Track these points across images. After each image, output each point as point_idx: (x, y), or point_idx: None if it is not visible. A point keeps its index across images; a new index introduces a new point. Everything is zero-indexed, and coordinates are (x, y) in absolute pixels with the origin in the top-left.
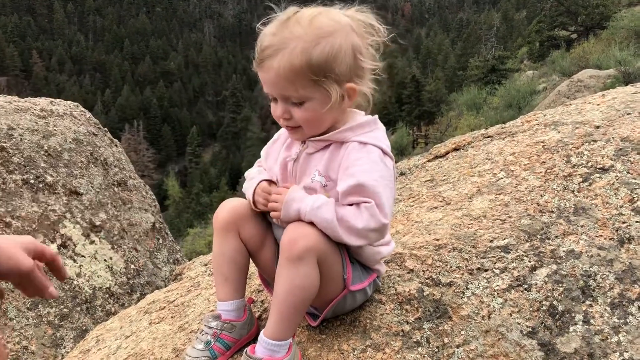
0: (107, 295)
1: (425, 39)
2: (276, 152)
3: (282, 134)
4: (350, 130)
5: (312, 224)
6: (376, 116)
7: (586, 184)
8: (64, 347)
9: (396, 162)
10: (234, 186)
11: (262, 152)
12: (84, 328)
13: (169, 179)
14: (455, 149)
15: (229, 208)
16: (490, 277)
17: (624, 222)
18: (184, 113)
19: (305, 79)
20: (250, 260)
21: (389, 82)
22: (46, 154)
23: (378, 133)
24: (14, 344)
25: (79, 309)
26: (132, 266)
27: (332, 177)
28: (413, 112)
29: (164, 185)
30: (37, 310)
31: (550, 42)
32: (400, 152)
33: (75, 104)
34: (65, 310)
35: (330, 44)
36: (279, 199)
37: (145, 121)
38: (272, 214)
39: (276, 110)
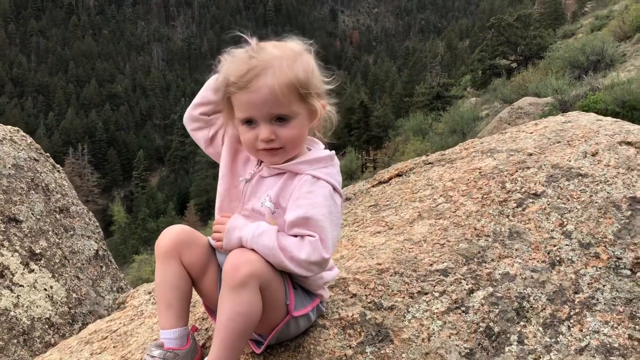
0: (47, 326)
1: (373, 66)
2: (241, 159)
3: None
4: (307, 163)
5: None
6: (333, 152)
7: (520, 209)
8: None
9: (345, 186)
10: (182, 211)
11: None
12: None
13: (115, 204)
14: (398, 175)
15: (170, 234)
16: (430, 300)
17: (554, 245)
18: (131, 136)
19: (296, 93)
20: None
21: (338, 107)
22: None
23: (332, 169)
24: None
25: (15, 341)
26: (74, 295)
27: (281, 205)
28: (362, 137)
29: (109, 211)
30: None
31: (492, 70)
32: (349, 175)
33: (16, 128)
34: (0, 343)
35: (305, 61)
36: (221, 228)
37: (90, 145)
38: (215, 243)
39: (259, 132)
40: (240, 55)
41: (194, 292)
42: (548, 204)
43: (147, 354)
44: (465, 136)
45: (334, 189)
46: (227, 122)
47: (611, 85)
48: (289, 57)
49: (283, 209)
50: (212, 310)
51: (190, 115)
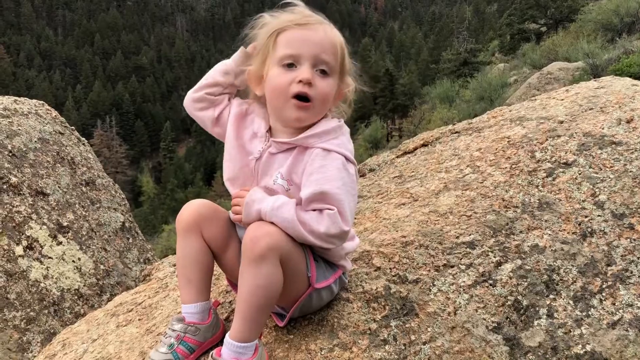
0: (76, 297)
1: (398, 33)
2: (243, 129)
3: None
4: (316, 137)
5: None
6: (342, 120)
7: (550, 178)
8: (31, 352)
9: (369, 156)
10: (209, 181)
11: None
12: (52, 331)
13: (143, 175)
14: (424, 145)
15: (191, 209)
16: (457, 274)
17: (586, 217)
18: (157, 108)
19: (340, 56)
20: None
21: (364, 76)
22: (10, 154)
23: (343, 139)
24: None
25: (46, 311)
26: (102, 267)
27: (295, 181)
28: (387, 106)
29: (138, 182)
30: (2, 314)
31: (520, 35)
32: (374, 145)
33: (41, 102)
34: (32, 313)
35: (341, 37)
36: (240, 201)
37: (117, 117)
38: (234, 216)
39: (300, 73)
40: (295, 10)
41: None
42: (579, 174)
43: (169, 328)
44: (493, 103)
45: (347, 159)
46: (253, 74)
47: None
48: (334, 27)
49: (297, 185)
50: (234, 284)
51: (194, 97)
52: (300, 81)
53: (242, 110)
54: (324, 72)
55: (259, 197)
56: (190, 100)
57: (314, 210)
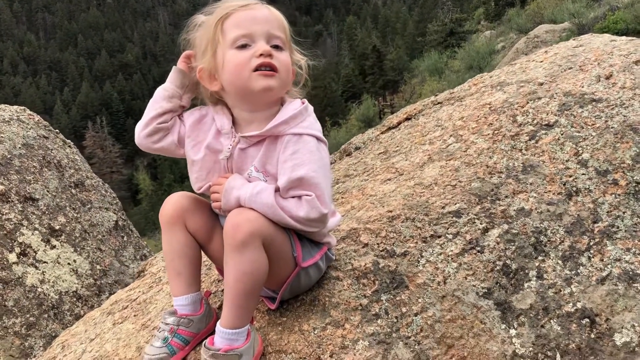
0: (75, 299)
1: (383, 8)
2: (204, 133)
3: (206, 114)
4: (285, 124)
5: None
6: (305, 101)
7: (533, 141)
8: (34, 356)
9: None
10: None
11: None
12: (53, 335)
13: (139, 172)
14: (407, 119)
15: (172, 202)
16: (444, 243)
17: (570, 176)
18: (147, 104)
19: (286, 32)
20: None
21: (351, 54)
22: None
23: (310, 119)
24: None
25: (46, 315)
26: (98, 267)
27: (270, 172)
28: (377, 83)
29: (134, 180)
30: (2, 321)
31: (504, 0)
32: (367, 124)
33: (22, 107)
34: (31, 318)
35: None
36: (219, 189)
37: (108, 116)
38: (214, 204)
39: (256, 49)
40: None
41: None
42: (562, 134)
43: (162, 322)
44: (483, 71)
45: (318, 139)
46: (206, 71)
47: (631, 3)
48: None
49: (273, 175)
50: (223, 271)
51: (146, 133)
52: (260, 55)
53: (195, 117)
54: (277, 47)
55: (238, 184)
56: (143, 137)
57: (293, 197)
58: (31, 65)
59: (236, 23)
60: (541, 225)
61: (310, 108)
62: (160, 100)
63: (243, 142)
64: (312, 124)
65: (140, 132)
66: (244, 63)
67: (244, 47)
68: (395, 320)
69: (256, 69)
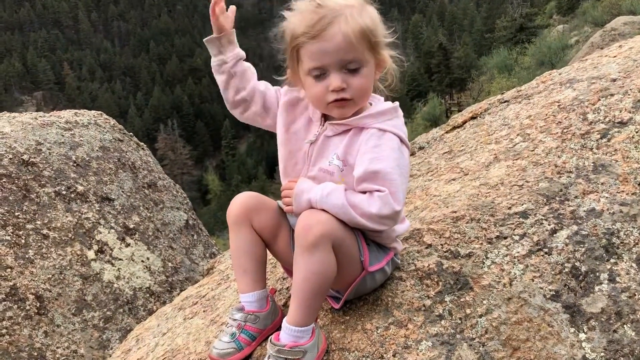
0: (148, 295)
1: (449, 5)
2: (295, 116)
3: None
4: (372, 117)
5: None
6: (397, 103)
7: (605, 140)
8: (111, 348)
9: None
10: (272, 174)
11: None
12: (128, 328)
13: (208, 173)
14: (473, 118)
15: (239, 202)
16: (510, 245)
17: None
18: (216, 107)
19: (367, 41)
20: None
21: (416, 52)
22: (75, 164)
23: (398, 121)
24: (64, 349)
25: (121, 310)
26: (170, 264)
27: (349, 162)
28: (443, 81)
29: (204, 181)
30: (82, 315)
31: None
32: (434, 123)
33: (99, 112)
34: (108, 313)
35: (371, 10)
36: (289, 193)
37: (178, 119)
38: (286, 208)
39: (330, 82)
40: (305, 7)
41: None
42: (636, 132)
43: (229, 317)
44: (555, 67)
45: (401, 140)
46: (292, 79)
47: None
48: (355, 6)
49: (351, 166)
50: (289, 270)
51: (229, 106)
52: (333, 90)
53: (292, 98)
54: (353, 70)
55: (307, 187)
56: (231, 110)
57: (364, 192)
58: (107, 71)
59: (308, 55)
60: (613, 226)
61: (401, 112)
62: (216, 76)
63: (330, 129)
64: (398, 124)
65: (229, 108)
66: (320, 97)
67: (319, 76)
68: (459, 322)
69: (331, 103)
